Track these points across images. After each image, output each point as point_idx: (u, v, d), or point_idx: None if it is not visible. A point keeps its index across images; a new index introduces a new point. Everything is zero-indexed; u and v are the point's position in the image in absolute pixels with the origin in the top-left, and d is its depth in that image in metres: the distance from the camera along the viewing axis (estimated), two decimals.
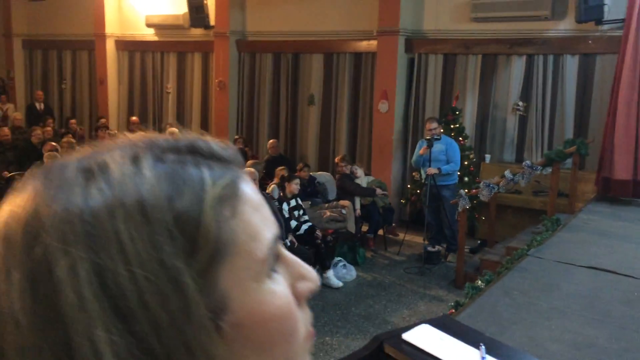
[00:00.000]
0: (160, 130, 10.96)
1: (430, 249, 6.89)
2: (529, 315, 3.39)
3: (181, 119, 11.22)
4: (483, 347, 1.70)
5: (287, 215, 6.18)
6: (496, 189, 5.87)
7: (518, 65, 7.73)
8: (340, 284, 6.11)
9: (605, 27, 7.02)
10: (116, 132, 9.44)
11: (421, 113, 8.57)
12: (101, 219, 0.40)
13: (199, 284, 0.41)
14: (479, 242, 7.40)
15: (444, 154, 6.82)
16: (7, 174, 7.23)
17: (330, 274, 6.09)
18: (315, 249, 6.10)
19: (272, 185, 6.85)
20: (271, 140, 8.99)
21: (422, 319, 5.25)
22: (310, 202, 6.94)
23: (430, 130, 6.70)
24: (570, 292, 3.73)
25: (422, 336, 1.84)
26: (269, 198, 6.02)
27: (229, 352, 0.43)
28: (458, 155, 6.92)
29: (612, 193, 6.36)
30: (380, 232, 7.48)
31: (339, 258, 6.46)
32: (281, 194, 6.35)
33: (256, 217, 0.47)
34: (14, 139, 8.72)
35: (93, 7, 11.86)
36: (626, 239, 5.01)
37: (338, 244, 6.65)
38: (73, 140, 8.18)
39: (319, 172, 8.51)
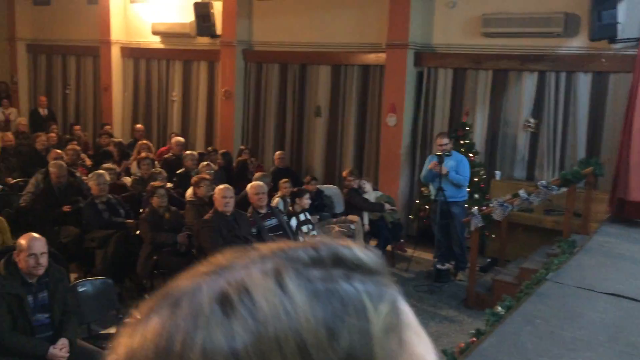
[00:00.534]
0: (165, 138, 10.88)
1: (439, 266, 6.77)
2: (553, 346, 3.28)
3: (186, 128, 11.12)
4: None
5: (292, 229, 6.07)
6: (510, 209, 5.77)
7: (529, 82, 7.65)
8: None
9: (619, 45, 6.95)
10: (120, 139, 9.37)
11: (430, 128, 8.48)
12: None
13: None
14: (488, 260, 7.29)
15: (454, 170, 6.72)
16: (11, 181, 7.11)
17: None
18: None
19: (277, 198, 6.74)
20: (278, 152, 8.89)
21: (432, 341, 5.15)
22: (318, 217, 6.82)
23: (441, 145, 6.61)
24: (594, 321, 3.62)
25: None
26: (278, 213, 5.92)
27: None
28: (468, 172, 6.82)
29: (626, 214, 6.26)
30: (388, 248, 7.37)
31: None
32: (290, 208, 6.24)
33: (421, 346, 0.41)
34: (18, 144, 8.61)
35: (98, 13, 11.79)
36: None
37: None
38: (78, 148, 8.08)
39: (326, 185, 8.41)
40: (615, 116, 7.07)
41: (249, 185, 5.88)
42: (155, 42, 11.42)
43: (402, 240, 7.63)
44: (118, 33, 11.81)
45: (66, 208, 6.15)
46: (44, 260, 3.62)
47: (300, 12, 9.60)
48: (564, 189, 5.80)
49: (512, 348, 3.21)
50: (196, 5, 10.26)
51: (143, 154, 7.55)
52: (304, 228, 6.20)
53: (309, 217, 6.37)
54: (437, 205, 6.68)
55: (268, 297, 0.35)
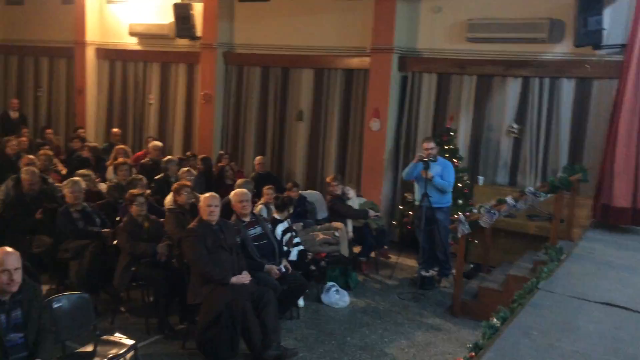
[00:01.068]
0: (142, 142, 10.61)
1: (424, 273, 6.68)
2: (552, 359, 3.19)
3: (163, 132, 10.87)
4: None
5: (279, 239, 5.90)
6: (497, 215, 5.70)
7: (514, 87, 7.63)
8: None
9: (603, 51, 6.96)
10: (95, 144, 9.06)
11: (413, 132, 8.41)
12: None
13: None
14: (471, 266, 7.23)
15: (439, 176, 6.63)
16: None
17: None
18: (306, 273, 5.83)
19: (260, 205, 6.57)
20: (259, 157, 8.71)
21: (420, 350, 5.04)
22: (302, 224, 6.67)
23: (428, 149, 6.52)
24: (591, 333, 3.55)
25: None
26: (262, 221, 5.74)
27: None
28: (453, 177, 6.74)
29: (611, 220, 6.25)
30: (372, 254, 7.25)
31: (332, 283, 6.20)
32: (275, 215, 6.07)
33: None
34: None
35: (74, 13, 11.47)
36: (635, 271, 4.87)
37: (329, 267, 6.40)
38: (50, 153, 7.78)
39: (308, 191, 8.25)
40: (598, 122, 7.08)
41: (232, 193, 5.69)
42: (132, 43, 11.15)
43: (385, 247, 7.52)
44: (93, 34, 11.50)
45: (38, 215, 5.88)
46: (17, 276, 3.39)
47: (283, 14, 9.46)
48: (550, 195, 5.76)
49: None
50: (176, 6, 10.04)
51: (120, 159, 7.29)
52: (288, 235, 6.03)
53: (291, 224, 6.20)
54: (421, 211, 6.59)
55: None
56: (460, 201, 7.29)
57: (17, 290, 3.41)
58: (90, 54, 11.56)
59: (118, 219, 5.89)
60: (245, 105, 10.00)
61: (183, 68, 10.64)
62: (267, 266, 5.32)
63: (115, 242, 5.43)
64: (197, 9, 10.04)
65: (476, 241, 7.18)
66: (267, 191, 6.54)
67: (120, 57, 11.37)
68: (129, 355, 4.00)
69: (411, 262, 7.40)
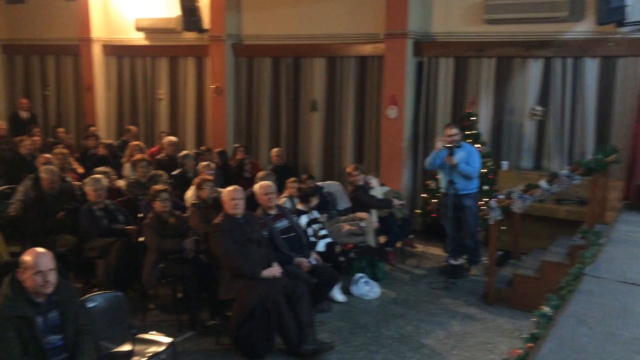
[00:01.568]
0: (153, 138, 10.47)
1: (453, 262, 6.55)
2: (614, 348, 3.05)
3: (175, 127, 10.72)
4: None
5: (304, 229, 5.78)
6: (530, 200, 5.56)
7: (535, 69, 7.46)
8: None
9: (627, 29, 6.79)
10: (111, 141, 8.92)
11: (432, 119, 8.26)
12: None
13: None
14: (500, 253, 7.08)
15: (464, 162, 6.49)
16: None
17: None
18: (335, 265, 5.70)
19: (284, 198, 6.44)
20: (276, 149, 8.56)
21: (459, 341, 4.92)
22: (327, 215, 6.53)
23: (451, 136, 6.37)
24: None
25: None
26: (289, 214, 5.61)
27: None
28: (478, 163, 6.59)
29: None
30: (398, 244, 7.12)
31: (361, 274, 6.08)
32: (300, 207, 5.94)
33: None
34: (0, 150, 8.13)
35: (77, 10, 11.29)
36: None
37: (357, 259, 6.28)
38: (66, 151, 7.65)
39: (327, 182, 8.11)
40: (624, 101, 6.92)
41: (256, 186, 5.56)
42: (139, 38, 10.98)
43: (411, 236, 7.39)
44: (99, 30, 11.33)
45: (60, 215, 5.77)
46: (52, 277, 3.27)
47: (292, 2, 9.28)
48: (584, 178, 5.61)
49: (573, 354, 2.98)
50: None
51: (138, 156, 7.15)
52: (314, 227, 5.91)
53: (317, 215, 6.08)
54: (448, 198, 6.45)
55: None
56: (485, 187, 7.14)
57: (53, 292, 3.30)
58: (96, 51, 11.40)
59: (139, 215, 5.78)
60: (257, 97, 9.84)
61: (192, 62, 10.47)
62: (297, 259, 5.20)
63: (140, 239, 5.31)
64: (204, 1, 9.86)
65: (504, 227, 7.03)
66: (291, 184, 6.40)
67: (128, 52, 11.20)
68: (167, 354, 3.89)
69: (437, 251, 7.28)
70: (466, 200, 6.48)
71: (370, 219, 6.62)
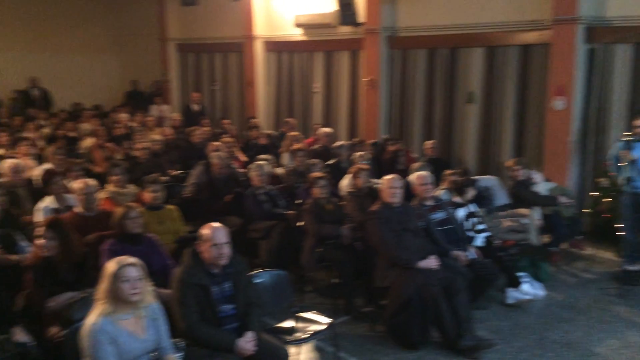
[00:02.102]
0: (308, 129, 10.84)
1: (628, 267, 5.92)
2: None
3: (328, 119, 11.00)
4: None
5: (460, 223, 5.58)
6: None
7: None
8: (514, 300, 5.44)
9: None
10: (271, 132, 9.39)
11: (605, 111, 7.52)
12: None
13: None
14: None
15: None
16: (173, 172, 7.35)
17: (511, 290, 5.42)
18: (497, 262, 5.42)
19: (441, 190, 6.27)
20: (430, 141, 8.42)
21: (637, 352, 4.41)
22: (485, 210, 6.25)
23: (636, 127, 5.73)
24: None
25: None
26: (446, 206, 5.46)
27: None
28: None
29: None
30: (563, 245, 6.60)
31: (523, 273, 5.72)
32: (456, 199, 5.76)
33: None
34: (176, 138, 8.96)
35: (242, 9, 12.04)
36: None
37: (518, 257, 5.92)
38: (231, 139, 8.20)
39: (483, 176, 7.77)
40: None
41: (413, 175, 5.48)
42: (297, 34, 11.41)
43: (579, 237, 6.81)
44: (261, 28, 11.98)
45: (227, 198, 6.19)
46: (227, 250, 3.51)
47: None
48: None
49: None
50: None
51: (296, 145, 7.44)
52: (472, 221, 5.68)
53: (476, 209, 5.84)
54: (624, 198, 5.82)
55: None
56: None
57: (227, 264, 3.53)
58: (258, 48, 12.07)
59: (297, 202, 6.00)
60: (410, 89, 9.73)
61: (346, 55, 10.65)
62: (455, 252, 5.03)
63: (299, 223, 5.51)
64: None
65: None
66: (450, 177, 6.19)
67: (286, 48, 11.71)
68: (326, 334, 3.98)
69: (608, 255, 6.64)
70: None
71: (533, 216, 6.20)
